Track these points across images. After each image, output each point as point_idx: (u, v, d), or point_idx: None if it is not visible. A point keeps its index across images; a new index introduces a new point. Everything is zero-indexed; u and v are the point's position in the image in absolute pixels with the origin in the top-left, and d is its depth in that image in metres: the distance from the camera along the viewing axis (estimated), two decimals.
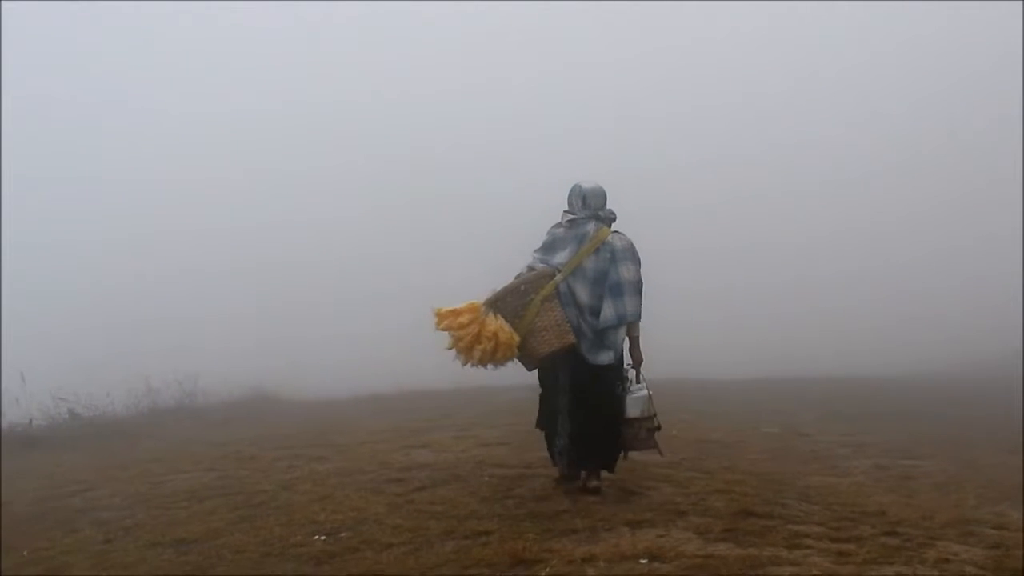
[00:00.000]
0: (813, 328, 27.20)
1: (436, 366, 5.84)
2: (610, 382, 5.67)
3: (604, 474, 5.75)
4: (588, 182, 5.84)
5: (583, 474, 5.73)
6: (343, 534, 4.88)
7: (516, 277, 5.73)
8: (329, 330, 27.37)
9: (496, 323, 5.43)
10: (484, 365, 5.53)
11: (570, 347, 5.54)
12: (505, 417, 10.39)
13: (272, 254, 34.28)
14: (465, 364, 5.55)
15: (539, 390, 6.01)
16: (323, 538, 4.83)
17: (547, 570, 4.00)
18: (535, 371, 5.89)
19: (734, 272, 32.28)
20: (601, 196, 5.80)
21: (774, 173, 38.56)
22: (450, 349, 5.53)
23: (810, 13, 41.95)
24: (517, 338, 5.47)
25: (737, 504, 5.24)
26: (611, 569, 3.98)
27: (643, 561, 4.10)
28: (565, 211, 5.86)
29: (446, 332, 5.53)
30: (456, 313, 5.50)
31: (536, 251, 5.89)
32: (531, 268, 5.78)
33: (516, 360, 5.68)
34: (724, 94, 43.48)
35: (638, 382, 5.72)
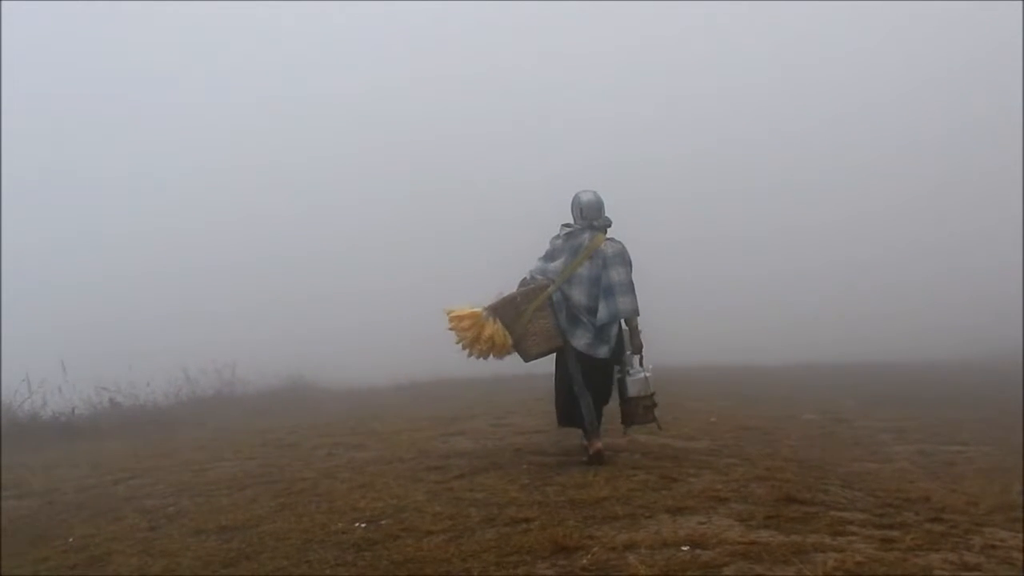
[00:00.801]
0: (814, 317, 26.99)
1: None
2: (608, 368, 6.52)
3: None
4: (586, 193, 6.61)
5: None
6: (384, 521, 4.90)
7: (520, 285, 6.62)
8: (366, 319, 27.51)
9: (492, 327, 6.38)
10: (485, 358, 6.52)
11: (558, 348, 6.50)
12: (543, 405, 10.37)
13: (303, 245, 34.46)
14: (469, 358, 6.55)
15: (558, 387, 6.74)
16: (364, 525, 4.85)
17: (588, 557, 3.98)
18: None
19: (735, 264, 32.06)
20: (597, 207, 6.57)
21: (773, 164, 38.17)
22: (456, 344, 6.51)
23: (805, 2, 41.31)
24: (510, 341, 6.43)
25: (779, 491, 5.19)
26: (653, 556, 3.94)
27: (685, 548, 4.06)
28: (563, 224, 6.65)
29: (452, 332, 6.52)
30: (460, 318, 6.47)
31: (539, 259, 6.70)
32: (532, 276, 6.63)
33: (516, 354, 6.62)
34: (719, 85, 43.02)
35: (640, 366, 6.52)
